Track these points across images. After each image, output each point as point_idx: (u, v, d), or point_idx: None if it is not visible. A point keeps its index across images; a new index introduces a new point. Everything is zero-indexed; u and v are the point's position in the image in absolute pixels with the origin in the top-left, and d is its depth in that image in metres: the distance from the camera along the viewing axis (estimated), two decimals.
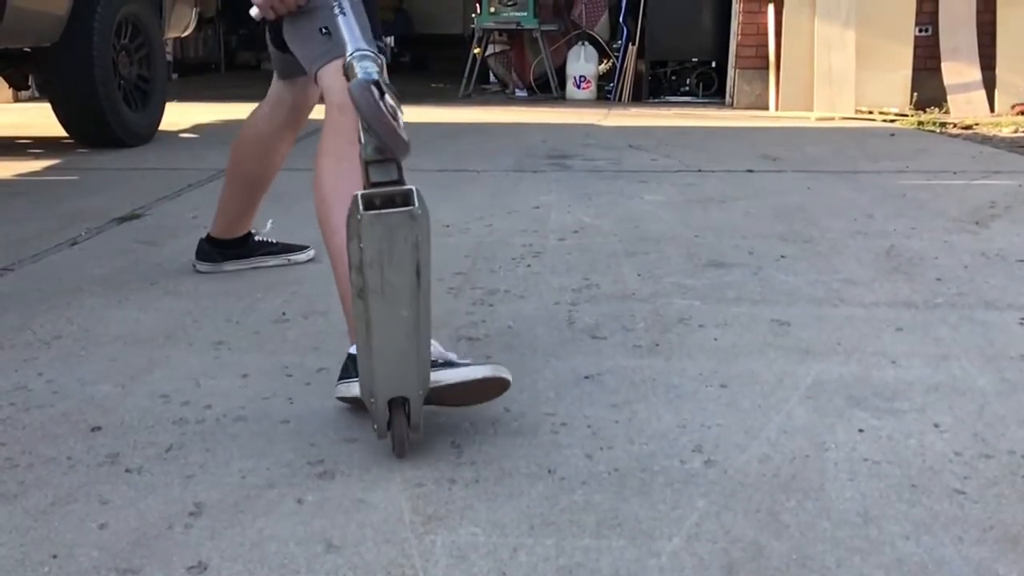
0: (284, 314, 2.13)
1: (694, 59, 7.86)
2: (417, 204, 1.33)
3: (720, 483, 1.37)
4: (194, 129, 5.68)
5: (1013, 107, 6.49)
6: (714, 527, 1.25)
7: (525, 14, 7.83)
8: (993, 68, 6.65)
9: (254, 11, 1.73)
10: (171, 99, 5.67)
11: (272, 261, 2.52)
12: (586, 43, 8.06)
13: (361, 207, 1.32)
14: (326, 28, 1.61)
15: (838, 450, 1.47)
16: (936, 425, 1.56)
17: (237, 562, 1.17)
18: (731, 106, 7.32)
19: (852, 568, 1.16)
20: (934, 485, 1.36)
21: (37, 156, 4.56)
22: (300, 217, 2.87)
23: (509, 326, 2.06)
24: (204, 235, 2.48)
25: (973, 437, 1.51)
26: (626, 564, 1.17)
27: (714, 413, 1.61)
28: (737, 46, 7.23)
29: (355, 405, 1.57)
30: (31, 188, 3.76)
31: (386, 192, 1.34)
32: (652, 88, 7.92)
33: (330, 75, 1.66)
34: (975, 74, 6.64)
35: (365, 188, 1.35)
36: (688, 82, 7.91)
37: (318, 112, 1.91)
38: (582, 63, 8.02)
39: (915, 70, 6.74)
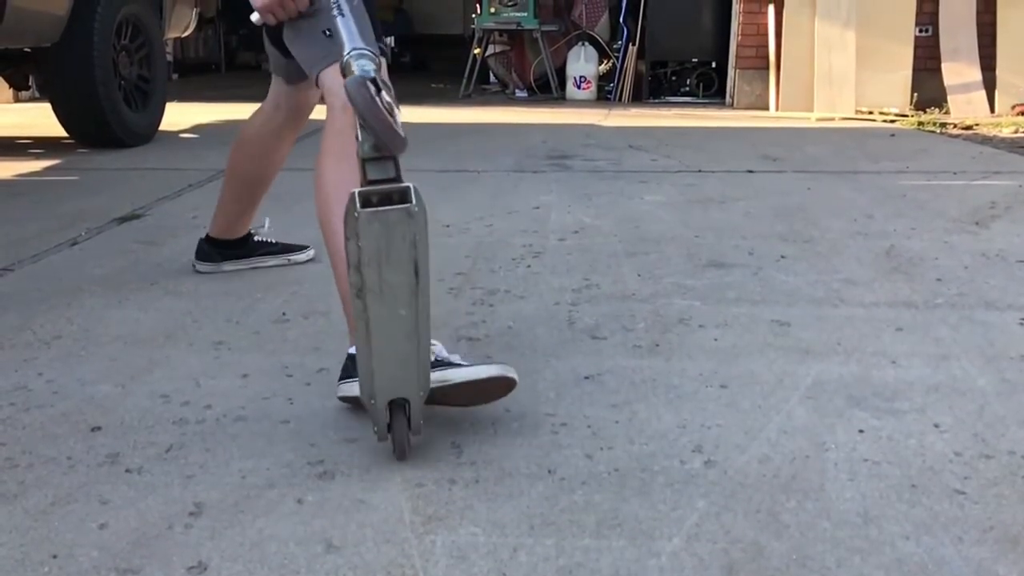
0: (284, 314, 2.13)
1: (694, 59, 7.86)
2: (415, 201, 1.33)
3: (720, 483, 1.37)
4: (194, 129, 5.68)
5: (1013, 107, 6.49)
6: (714, 527, 1.25)
7: (525, 14, 7.84)
8: (993, 69, 6.65)
9: (255, 17, 1.73)
10: (171, 99, 5.68)
11: (272, 261, 2.52)
12: (586, 43, 8.06)
13: (358, 204, 1.31)
14: (329, 30, 1.61)
15: (838, 450, 1.47)
16: (936, 425, 1.56)
17: (237, 562, 1.17)
18: (731, 106, 7.32)
19: (852, 568, 1.16)
20: (934, 485, 1.36)
21: (37, 156, 4.56)
22: (300, 217, 2.87)
23: (509, 326, 2.06)
24: (204, 235, 2.48)
25: (973, 437, 1.51)
26: (626, 564, 1.17)
27: (714, 413, 1.61)
28: (737, 46, 7.23)
29: (356, 405, 1.56)
30: (31, 188, 3.76)
31: (383, 190, 1.34)
32: (652, 88, 7.93)
33: (331, 76, 1.66)
34: (975, 75, 6.64)
35: (362, 186, 1.35)
36: (688, 82, 7.91)
37: (319, 112, 1.91)
38: (582, 63, 8.02)
39: (915, 70, 6.74)
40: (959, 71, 6.66)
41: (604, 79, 8.26)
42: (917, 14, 6.78)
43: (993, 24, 6.69)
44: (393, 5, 12.81)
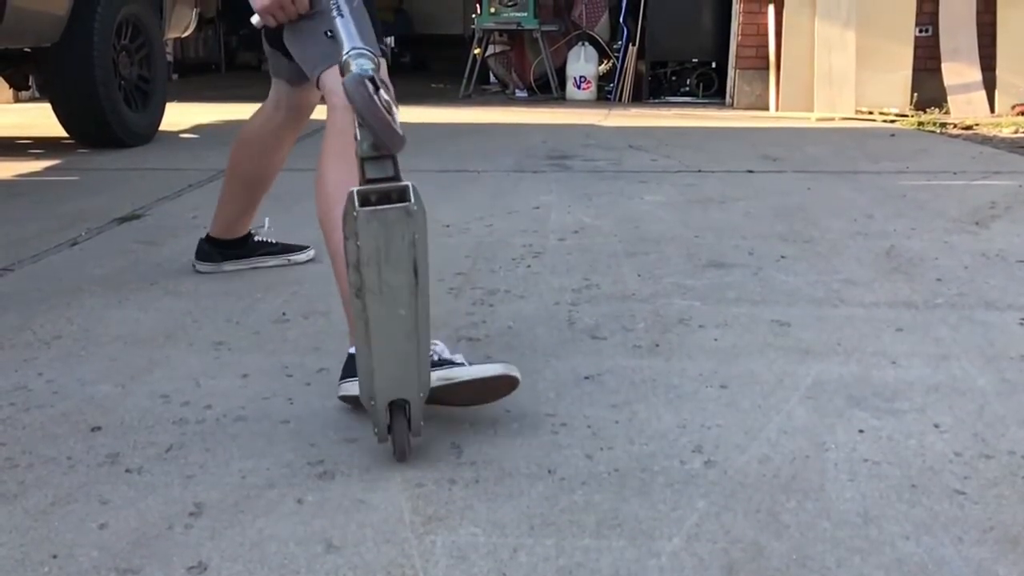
0: (284, 314, 2.14)
1: (694, 59, 7.86)
2: (413, 200, 1.33)
3: (720, 483, 1.37)
4: (194, 129, 5.68)
5: (1013, 107, 6.49)
6: (714, 527, 1.25)
7: (525, 14, 7.84)
8: (993, 69, 6.65)
9: (255, 19, 1.73)
10: (171, 99, 5.68)
11: (272, 261, 2.52)
12: (586, 43, 8.06)
13: (357, 203, 1.31)
14: (331, 32, 1.62)
15: (838, 450, 1.47)
16: (936, 425, 1.56)
17: (237, 562, 1.17)
18: (731, 106, 7.32)
19: (852, 568, 1.16)
20: (934, 485, 1.36)
21: (38, 156, 4.56)
22: (300, 217, 2.87)
23: (509, 326, 2.06)
24: (204, 235, 2.48)
25: (973, 437, 1.51)
26: (626, 564, 1.17)
27: (714, 413, 1.61)
28: (737, 46, 7.24)
29: (357, 405, 1.56)
30: (31, 188, 3.76)
31: (382, 188, 1.34)
32: (652, 88, 7.93)
33: (332, 77, 1.66)
34: (975, 75, 6.64)
35: (361, 184, 1.34)
36: (688, 82, 7.91)
37: (319, 112, 1.91)
38: (582, 63, 8.02)
39: (915, 71, 6.74)
40: (959, 71, 6.66)
41: (604, 79, 8.26)
42: (917, 14, 6.78)
43: (993, 24, 6.69)
44: (393, 5, 12.81)
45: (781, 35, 6.85)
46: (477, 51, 8.24)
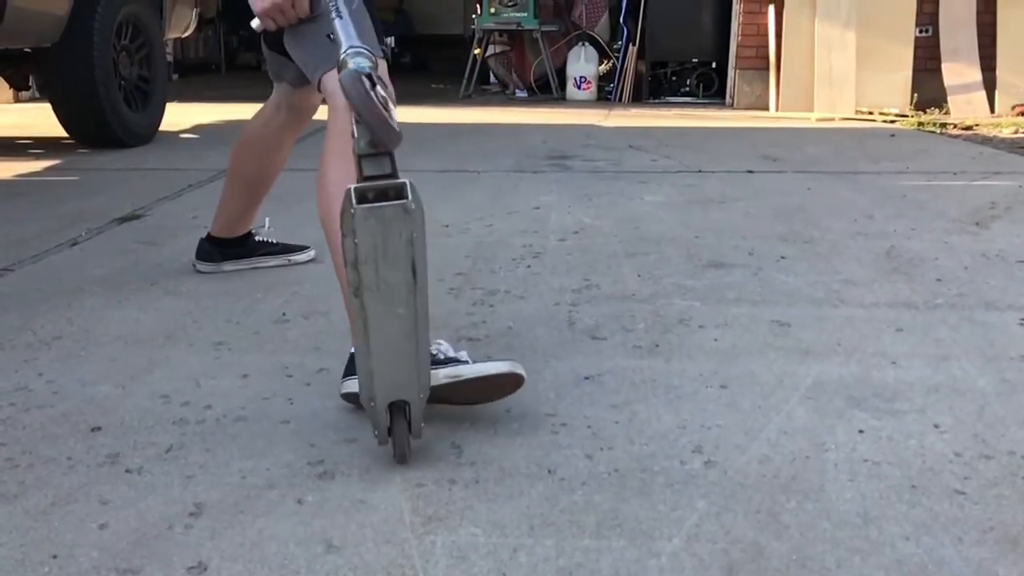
0: (284, 314, 2.14)
1: (694, 60, 7.86)
2: (411, 198, 1.32)
3: (720, 484, 1.37)
4: (194, 129, 5.68)
5: (1013, 108, 6.49)
6: (714, 528, 1.25)
7: (525, 15, 7.84)
8: (993, 69, 6.65)
9: (255, 23, 1.73)
10: (171, 100, 5.68)
11: (272, 261, 2.52)
12: (586, 44, 8.06)
13: (354, 201, 1.31)
14: (332, 35, 1.62)
15: (838, 451, 1.47)
16: (936, 426, 1.56)
17: (237, 562, 1.17)
18: (731, 107, 7.32)
19: (852, 569, 1.16)
20: (934, 486, 1.36)
21: (38, 156, 4.56)
22: (300, 217, 2.87)
23: (509, 326, 2.06)
24: (204, 235, 2.48)
25: (973, 438, 1.51)
26: (626, 565, 1.17)
27: (714, 414, 1.61)
28: (737, 47, 7.24)
29: (358, 405, 1.56)
30: (32, 188, 3.76)
31: (379, 186, 1.33)
32: (652, 89, 7.93)
33: (333, 79, 1.66)
34: (975, 75, 6.64)
35: (358, 182, 1.34)
36: (688, 83, 7.91)
37: (321, 112, 1.92)
38: (582, 64, 8.02)
39: (915, 71, 6.74)
40: (959, 71, 6.66)
41: (604, 79, 8.26)
42: (917, 14, 6.78)
43: (993, 24, 6.69)
44: (393, 5, 12.81)
45: (781, 35, 6.85)
46: (477, 51, 8.23)
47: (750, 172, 4.09)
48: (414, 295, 1.35)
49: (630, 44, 7.78)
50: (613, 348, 1.93)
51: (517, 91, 8.43)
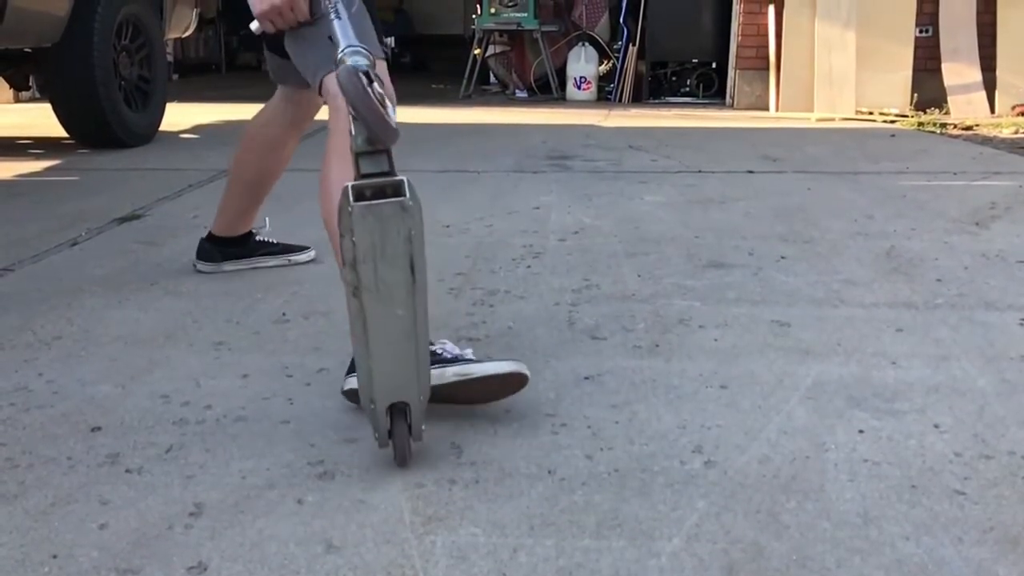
0: (284, 314, 2.14)
1: (694, 60, 7.86)
2: (408, 195, 1.32)
3: (720, 484, 1.37)
4: (194, 130, 5.68)
5: (1013, 108, 6.49)
6: (714, 528, 1.25)
7: (525, 15, 7.84)
8: (993, 69, 6.65)
9: (254, 25, 1.72)
10: (172, 100, 5.68)
11: (272, 261, 2.52)
12: (586, 44, 8.06)
13: (351, 198, 1.31)
14: (332, 36, 1.61)
15: (838, 451, 1.47)
16: (936, 426, 1.56)
17: (237, 562, 1.17)
18: (731, 107, 7.32)
19: (852, 569, 1.16)
20: (934, 486, 1.36)
21: (38, 157, 4.56)
22: (300, 217, 2.87)
23: (509, 327, 2.06)
24: (205, 234, 2.48)
25: (973, 438, 1.51)
26: (626, 565, 1.17)
27: (714, 414, 1.61)
28: (737, 47, 7.23)
29: (359, 402, 1.56)
30: (32, 188, 3.76)
31: (377, 183, 1.33)
32: (652, 89, 7.93)
33: (334, 80, 1.66)
34: (975, 75, 6.64)
35: (356, 180, 1.34)
36: (688, 83, 7.91)
37: (322, 112, 1.92)
38: (582, 64, 8.02)
39: (915, 71, 6.74)
40: (959, 71, 6.66)
41: (604, 79, 8.26)
42: (917, 14, 6.78)
43: (993, 24, 6.69)
44: (393, 5, 12.82)
45: (781, 35, 6.85)
46: (477, 51, 8.23)
47: (750, 172, 4.09)
48: (413, 295, 1.35)
49: (630, 44, 7.78)
50: (613, 348, 1.93)
51: (517, 91, 8.43)
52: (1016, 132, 5.68)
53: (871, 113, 6.49)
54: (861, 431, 1.54)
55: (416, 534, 1.24)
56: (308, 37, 1.74)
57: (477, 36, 8.23)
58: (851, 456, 1.45)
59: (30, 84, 5.44)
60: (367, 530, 1.25)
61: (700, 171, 4.12)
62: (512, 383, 1.57)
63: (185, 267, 2.50)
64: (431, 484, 1.36)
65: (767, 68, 7.01)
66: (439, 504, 1.31)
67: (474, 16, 8.36)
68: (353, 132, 1.34)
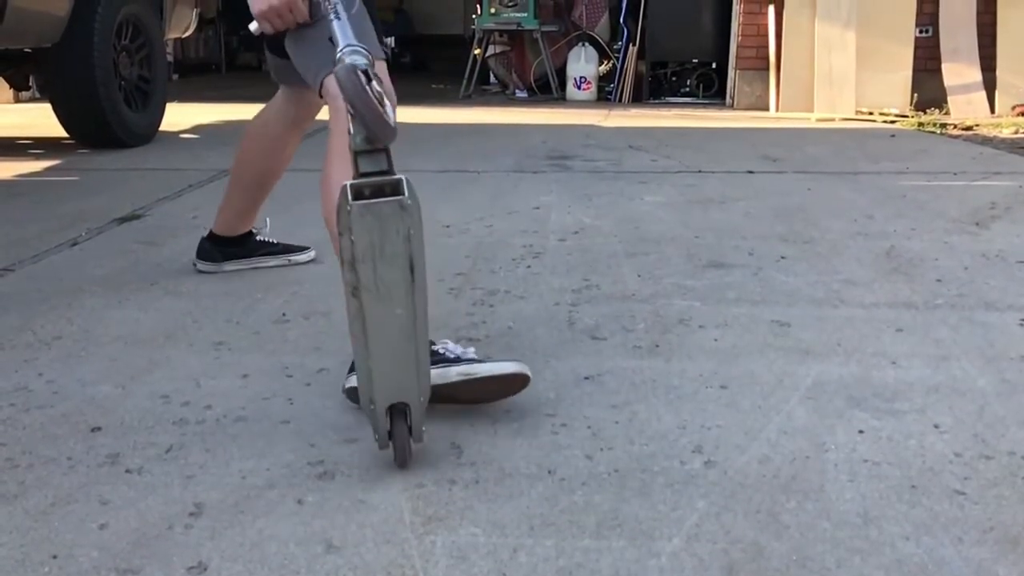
0: (284, 314, 2.13)
1: (694, 60, 7.86)
2: (407, 194, 1.32)
3: (720, 484, 1.37)
4: (195, 130, 5.68)
5: (1013, 108, 6.49)
6: (714, 528, 1.25)
7: (525, 15, 7.84)
8: (993, 69, 6.65)
9: (253, 26, 1.72)
10: (172, 100, 5.68)
11: (272, 261, 2.52)
12: (586, 44, 8.06)
13: (350, 197, 1.30)
14: (332, 37, 1.61)
15: (838, 451, 1.47)
16: (936, 426, 1.56)
17: (237, 562, 1.17)
18: (731, 107, 7.32)
19: (852, 569, 1.16)
20: (934, 486, 1.36)
21: (38, 157, 4.56)
22: (300, 217, 2.87)
23: (509, 327, 2.06)
24: (205, 234, 2.48)
25: (973, 438, 1.51)
26: (626, 565, 1.17)
27: (714, 414, 1.61)
28: (737, 47, 7.23)
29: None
30: (32, 188, 3.76)
31: (375, 182, 1.33)
32: (652, 89, 7.93)
33: (333, 80, 1.66)
34: (975, 75, 6.64)
35: (354, 179, 1.34)
36: (688, 83, 7.91)
37: (323, 113, 1.91)
38: (582, 64, 8.02)
39: (915, 71, 6.74)
40: (959, 71, 6.66)
41: (604, 80, 8.26)
42: (917, 14, 6.77)
43: (993, 24, 6.69)
44: (393, 5, 12.81)
45: (781, 36, 6.85)
46: (477, 51, 8.23)
47: (750, 172, 4.09)
48: (412, 294, 1.35)
49: (630, 44, 7.78)
50: (613, 348, 1.93)
51: (517, 91, 8.43)
52: (1016, 132, 5.68)
53: (871, 113, 6.49)
54: (861, 431, 1.54)
55: (416, 534, 1.24)
56: (308, 39, 1.73)
57: (477, 36, 8.23)
58: (851, 456, 1.45)
59: (30, 84, 5.44)
60: (367, 530, 1.25)
61: (700, 171, 4.12)
62: (514, 384, 1.58)
63: (185, 267, 2.50)
64: (431, 484, 1.36)
65: (767, 68, 7.01)
66: (439, 504, 1.31)
67: (474, 16, 8.36)
68: (352, 131, 1.34)
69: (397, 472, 1.40)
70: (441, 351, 1.57)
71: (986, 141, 5.30)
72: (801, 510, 1.30)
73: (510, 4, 7.83)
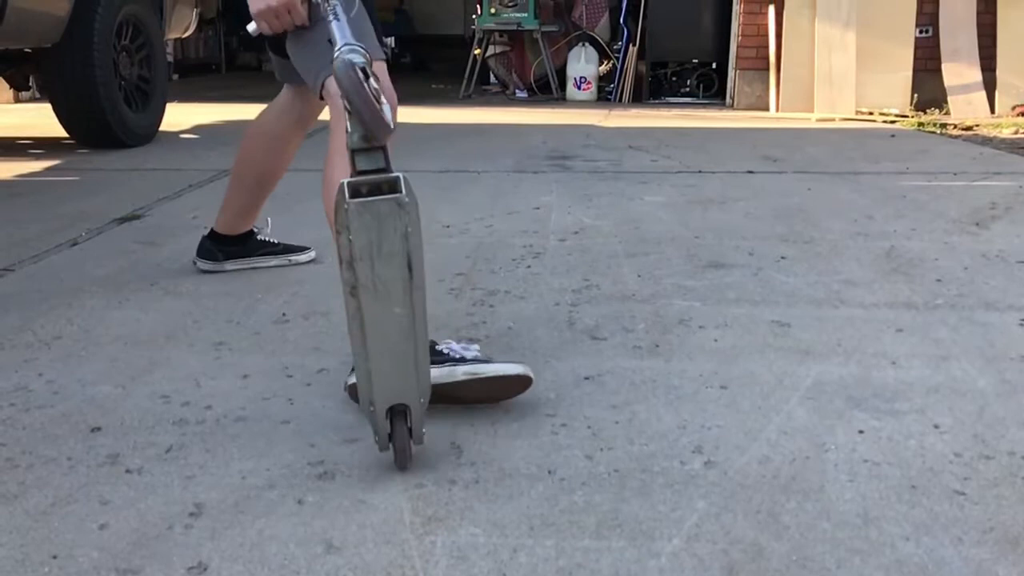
0: (284, 315, 2.13)
1: (694, 60, 7.86)
2: (405, 191, 1.31)
3: (720, 484, 1.37)
4: (194, 130, 5.68)
5: (1013, 108, 6.49)
6: (714, 528, 1.25)
7: (526, 15, 7.84)
8: (993, 69, 6.65)
9: (251, 27, 1.72)
10: (172, 100, 5.68)
11: (273, 261, 2.52)
12: (587, 44, 8.06)
13: (347, 195, 1.30)
14: (331, 38, 1.61)
15: (838, 451, 1.47)
16: (936, 426, 1.56)
17: (237, 562, 1.17)
18: (731, 107, 7.32)
19: (852, 569, 1.16)
20: (934, 486, 1.36)
21: (38, 157, 4.56)
22: (300, 217, 2.87)
23: (509, 327, 2.06)
24: (205, 233, 2.48)
25: (973, 438, 1.51)
26: (626, 565, 1.17)
27: (714, 414, 1.61)
28: (738, 47, 7.23)
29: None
30: (32, 189, 3.76)
31: (373, 180, 1.32)
32: (652, 89, 7.92)
33: (333, 80, 1.66)
34: (975, 75, 6.64)
35: (352, 176, 1.34)
36: (688, 83, 7.91)
37: (324, 113, 1.92)
38: (583, 64, 8.02)
39: (915, 71, 6.74)
40: (959, 72, 6.66)
41: (604, 80, 8.26)
42: (917, 15, 6.78)
43: (993, 24, 6.69)
44: (393, 5, 12.82)
45: (781, 36, 6.85)
46: (477, 51, 8.23)
47: (750, 172, 4.09)
48: (411, 293, 1.34)
49: (630, 44, 7.78)
50: (613, 348, 1.93)
51: (517, 91, 8.43)
52: (1016, 132, 5.68)
53: (871, 113, 6.49)
54: (861, 431, 1.54)
55: (416, 534, 1.24)
56: (309, 41, 1.73)
57: (477, 36, 8.23)
58: (851, 456, 1.45)
59: (30, 84, 5.44)
60: (367, 530, 1.25)
61: (700, 171, 4.12)
62: (517, 385, 1.59)
63: (185, 267, 2.50)
64: (431, 484, 1.37)
65: (767, 68, 7.02)
66: (439, 504, 1.31)
67: (474, 16, 8.36)
68: (349, 129, 1.34)
69: (397, 472, 1.40)
70: (445, 351, 1.58)
71: (986, 141, 5.30)
72: (801, 510, 1.30)
73: (510, 4, 7.83)
